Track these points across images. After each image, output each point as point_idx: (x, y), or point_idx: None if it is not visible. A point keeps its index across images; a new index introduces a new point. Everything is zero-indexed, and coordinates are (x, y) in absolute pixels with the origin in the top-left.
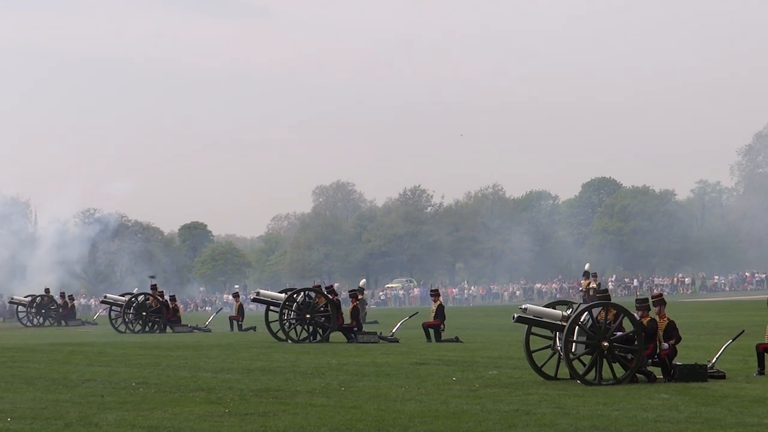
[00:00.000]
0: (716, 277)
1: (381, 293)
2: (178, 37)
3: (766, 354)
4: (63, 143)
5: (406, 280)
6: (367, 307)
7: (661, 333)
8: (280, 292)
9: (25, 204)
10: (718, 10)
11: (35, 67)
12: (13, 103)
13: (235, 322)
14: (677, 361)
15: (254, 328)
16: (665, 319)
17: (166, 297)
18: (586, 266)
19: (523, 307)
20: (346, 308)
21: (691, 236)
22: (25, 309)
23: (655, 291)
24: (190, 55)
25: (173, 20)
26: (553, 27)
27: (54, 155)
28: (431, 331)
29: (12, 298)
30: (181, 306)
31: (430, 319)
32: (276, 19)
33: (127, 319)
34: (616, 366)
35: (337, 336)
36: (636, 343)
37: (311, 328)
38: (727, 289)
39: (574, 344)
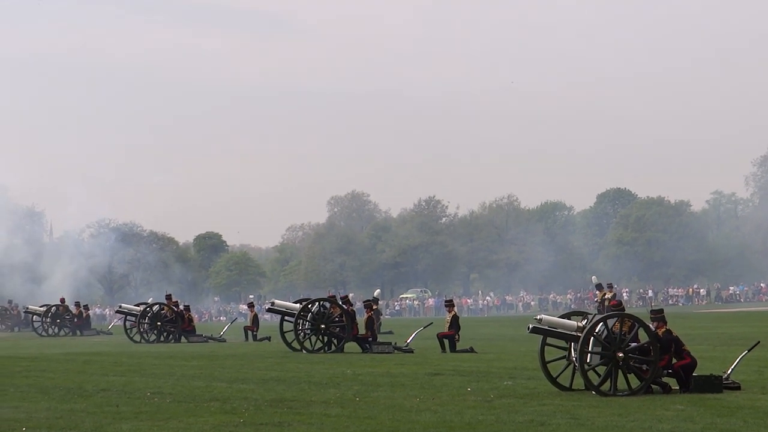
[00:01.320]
0: (731, 287)
1: (396, 303)
2: (193, 47)
3: None
4: (75, 152)
5: (421, 291)
6: (381, 317)
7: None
8: (295, 303)
9: (40, 214)
10: (731, 21)
11: (52, 77)
12: (27, 113)
13: (249, 332)
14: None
15: (269, 339)
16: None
17: (181, 307)
18: (593, 279)
19: (538, 317)
20: (361, 318)
21: (706, 247)
22: (40, 319)
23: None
24: (204, 64)
25: (188, 31)
26: (568, 38)
27: (66, 165)
28: (446, 341)
29: (27, 308)
30: (196, 316)
31: (445, 329)
32: (290, 30)
33: (141, 329)
34: (631, 377)
35: (351, 346)
36: (651, 353)
37: (326, 338)
38: (743, 300)
39: (589, 355)
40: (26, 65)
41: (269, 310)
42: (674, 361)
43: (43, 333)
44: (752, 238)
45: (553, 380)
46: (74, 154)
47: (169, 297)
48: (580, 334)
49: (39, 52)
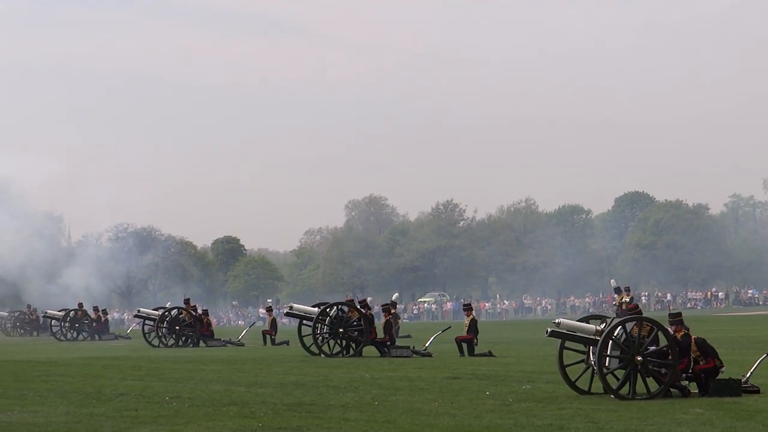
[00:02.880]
0: (750, 291)
1: (414, 307)
2: (210, 54)
3: None
4: (94, 156)
5: (439, 295)
6: (400, 321)
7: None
8: (313, 306)
9: (58, 218)
10: (748, 24)
11: (70, 82)
12: (47, 118)
13: (268, 337)
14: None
15: (287, 343)
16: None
17: (199, 311)
18: (612, 282)
19: (557, 321)
20: (379, 322)
21: (724, 250)
22: (58, 323)
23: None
24: (221, 71)
25: (205, 38)
26: (586, 45)
27: (84, 169)
28: (464, 345)
29: (46, 312)
30: (214, 320)
31: (463, 333)
32: (307, 36)
33: (160, 333)
34: (650, 380)
35: (370, 350)
36: (670, 357)
37: (344, 342)
38: (761, 303)
39: (607, 359)
40: (42, 71)
41: (288, 314)
42: (693, 364)
43: (62, 337)
44: None
45: (572, 384)
46: (93, 158)
47: (187, 301)
48: (598, 338)
49: (57, 57)
